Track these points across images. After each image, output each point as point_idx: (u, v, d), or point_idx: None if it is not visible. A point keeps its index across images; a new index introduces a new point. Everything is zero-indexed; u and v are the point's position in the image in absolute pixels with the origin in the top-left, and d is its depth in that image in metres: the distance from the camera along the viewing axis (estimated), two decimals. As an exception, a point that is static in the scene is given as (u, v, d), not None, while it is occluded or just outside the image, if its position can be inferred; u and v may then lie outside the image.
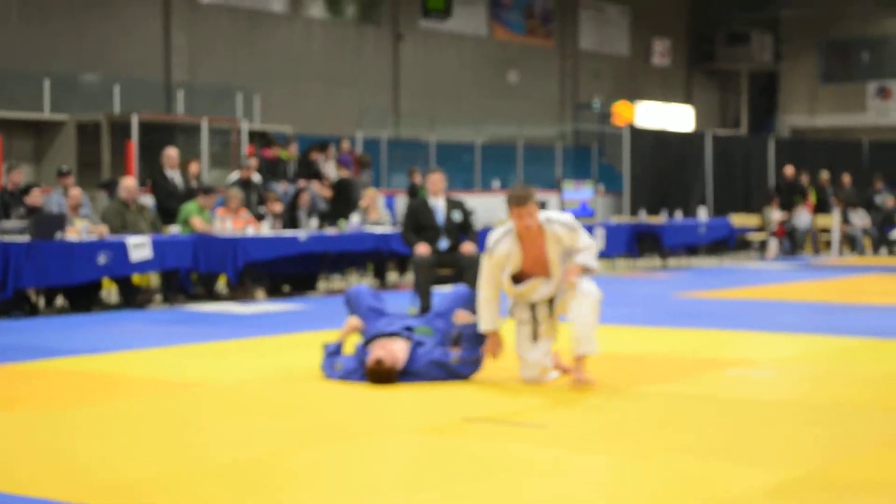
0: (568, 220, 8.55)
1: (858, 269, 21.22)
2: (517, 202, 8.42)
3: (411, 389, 8.27)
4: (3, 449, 6.60)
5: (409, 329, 8.70)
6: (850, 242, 26.12)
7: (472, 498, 5.49)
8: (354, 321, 9.01)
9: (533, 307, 8.65)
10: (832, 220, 26.19)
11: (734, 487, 5.65)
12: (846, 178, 27.69)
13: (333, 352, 8.82)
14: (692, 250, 24.22)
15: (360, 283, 16.71)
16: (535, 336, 8.67)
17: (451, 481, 5.82)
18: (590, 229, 20.49)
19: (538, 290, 8.60)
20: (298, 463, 6.22)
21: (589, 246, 8.61)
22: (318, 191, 19.04)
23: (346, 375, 8.55)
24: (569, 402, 7.95)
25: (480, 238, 15.76)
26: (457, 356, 8.57)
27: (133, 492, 5.57)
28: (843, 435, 6.87)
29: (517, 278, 8.58)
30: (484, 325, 8.58)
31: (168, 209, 16.26)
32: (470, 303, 9.14)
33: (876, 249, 26.10)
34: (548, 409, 7.68)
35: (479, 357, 8.67)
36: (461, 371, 8.59)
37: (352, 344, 8.89)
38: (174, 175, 16.99)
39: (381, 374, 8.35)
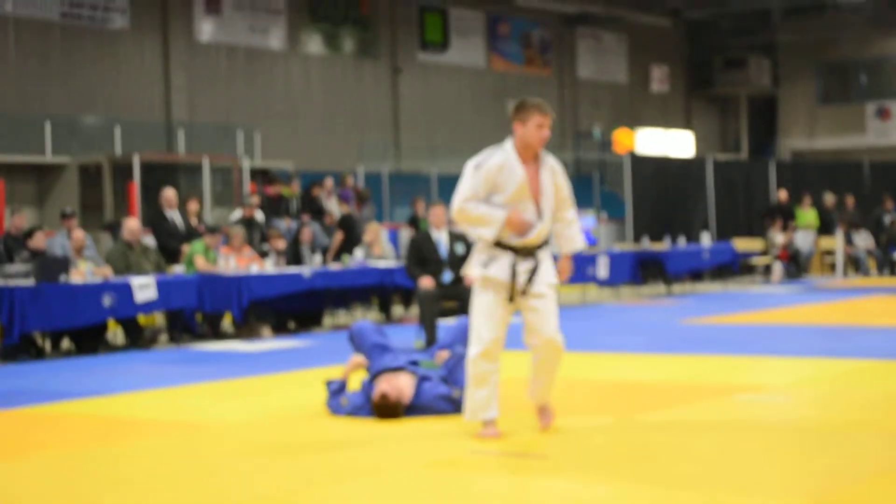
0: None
1: (863, 291, 21.21)
2: (540, 109, 7.40)
3: (419, 424, 8.28)
4: (17, 496, 6.61)
5: (414, 363, 8.71)
6: (855, 264, 26.13)
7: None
8: (358, 358, 9.04)
9: (514, 265, 7.51)
10: (836, 242, 26.21)
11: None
12: (849, 200, 27.72)
13: (337, 389, 8.82)
14: (696, 276, 24.25)
15: (365, 318, 16.72)
16: (511, 298, 7.56)
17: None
18: (593, 258, 20.55)
19: (531, 228, 7.51)
20: (312, 501, 6.22)
21: (572, 206, 7.75)
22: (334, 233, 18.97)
23: (354, 411, 8.55)
24: (572, 431, 7.93)
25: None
26: (458, 390, 8.56)
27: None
28: (850, 461, 6.87)
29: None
30: (491, 228, 7.42)
31: (169, 249, 16.34)
32: None
33: (880, 270, 26.10)
34: (551, 439, 7.66)
35: None
36: None
37: (356, 380, 8.90)
38: (174, 215, 17.05)
39: (388, 409, 8.36)
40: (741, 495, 6.07)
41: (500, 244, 7.52)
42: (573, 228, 7.82)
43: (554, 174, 7.62)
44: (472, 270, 7.71)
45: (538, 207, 7.54)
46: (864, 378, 10.28)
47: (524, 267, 7.53)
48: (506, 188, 7.45)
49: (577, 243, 7.84)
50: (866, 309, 17.69)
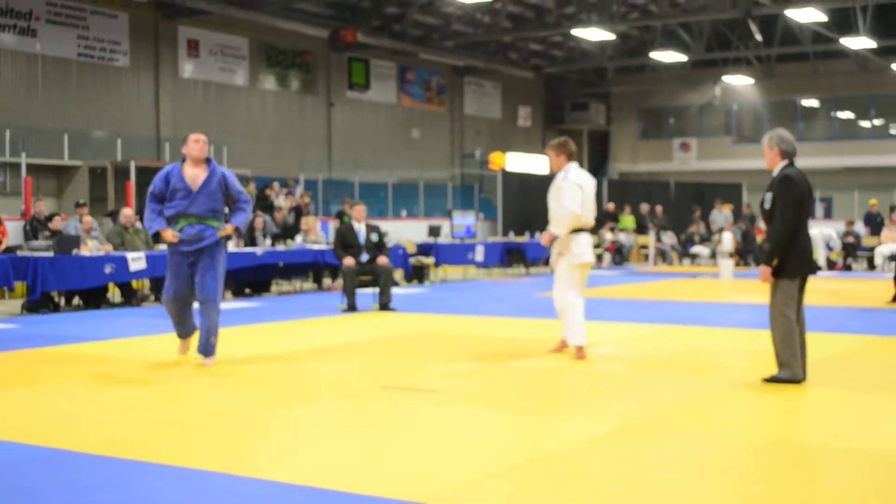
0: None
1: (668, 275, 21.55)
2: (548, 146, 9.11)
3: (333, 366, 8.28)
4: (29, 413, 6.51)
5: None
6: (662, 255, 26.53)
7: (387, 445, 5.53)
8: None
9: None
10: (649, 239, 26.58)
11: (573, 435, 5.74)
12: (659, 209, 28.13)
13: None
14: (548, 261, 24.45)
15: (301, 287, 16.54)
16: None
17: (376, 431, 5.85)
18: (473, 247, 20.62)
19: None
20: (256, 422, 6.20)
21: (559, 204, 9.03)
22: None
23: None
24: (456, 372, 7.99)
25: (392, 253, 15.80)
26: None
27: (126, 443, 5.53)
28: (652, 396, 7.00)
29: None
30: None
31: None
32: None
33: (681, 260, 26.54)
34: (440, 377, 7.72)
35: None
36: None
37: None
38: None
39: None
40: (574, 419, 6.16)
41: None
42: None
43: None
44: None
45: None
46: (667, 337, 10.46)
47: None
48: None
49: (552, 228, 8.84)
50: (669, 288, 17.99)
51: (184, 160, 8.55)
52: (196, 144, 8.46)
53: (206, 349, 8.50)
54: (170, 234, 8.34)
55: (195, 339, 8.81)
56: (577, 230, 8.74)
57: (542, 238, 8.90)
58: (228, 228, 8.51)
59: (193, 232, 8.36)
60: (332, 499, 4.42)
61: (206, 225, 8.39)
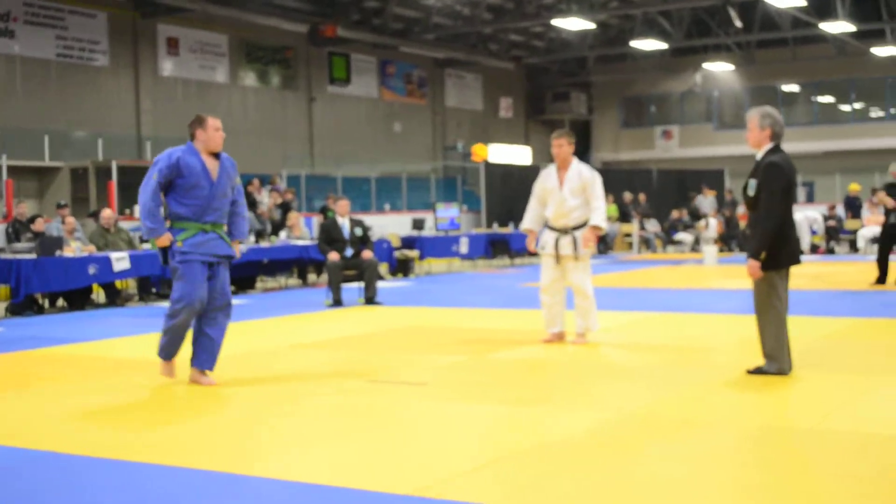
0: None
1: (651, 263, 21.56)
2: (555, 135, 9.31)
3: (333, 360, 8.25)
4: (25, 416, 6.46)
5: None
6: (646, 243, 26.54)
7: (378, 439, 5.51)
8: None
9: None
10: (633, 228, 26.59)
11: (564, 426, 5.72)
12: (642, 197, 28.14)
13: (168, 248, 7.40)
14: (532, 252, 24.41)
15: (286, 282, 16.45)
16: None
17: (366, 425, 5.82)
18: (457, 240, 20.60)
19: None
20: (245, 420, 6.16)
21: (592, 196, 9.33)
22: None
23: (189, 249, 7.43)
24: (445, 365, 7.97)
25: (376, 247, 15.76)
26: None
27: (117, 443, 5.49)
28: (643, 384, 6.99)
29: None
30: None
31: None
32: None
33: (664, 248, 26.57)
34: (428, 371, 7.69)
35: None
36: None
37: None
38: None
39: None
40: (564, 410, 6.14)
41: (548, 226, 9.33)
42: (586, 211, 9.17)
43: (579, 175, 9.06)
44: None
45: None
46: (653, 325, 10.46)
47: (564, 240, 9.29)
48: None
49: (592, 220, 9.05)
50: (653, 276, 18.00)
51: (190, 146, 7.40)
52: (218, 133, 7.36)
53: (212, 361, 7.45)
54: (166, 240, 7.28)
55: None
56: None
57: (588, 240, 9.11)
58: (236, 247, 7.73)
59: (212, 243, 7.47)
60: (323, 493, 4.40)
61: (218, 234, 7.53)
